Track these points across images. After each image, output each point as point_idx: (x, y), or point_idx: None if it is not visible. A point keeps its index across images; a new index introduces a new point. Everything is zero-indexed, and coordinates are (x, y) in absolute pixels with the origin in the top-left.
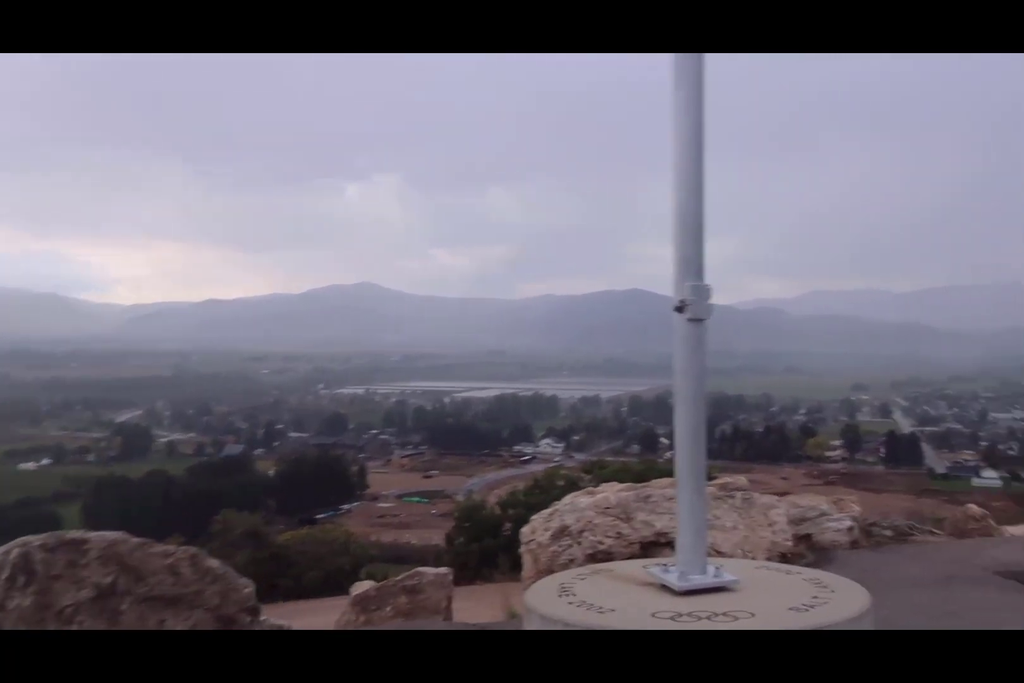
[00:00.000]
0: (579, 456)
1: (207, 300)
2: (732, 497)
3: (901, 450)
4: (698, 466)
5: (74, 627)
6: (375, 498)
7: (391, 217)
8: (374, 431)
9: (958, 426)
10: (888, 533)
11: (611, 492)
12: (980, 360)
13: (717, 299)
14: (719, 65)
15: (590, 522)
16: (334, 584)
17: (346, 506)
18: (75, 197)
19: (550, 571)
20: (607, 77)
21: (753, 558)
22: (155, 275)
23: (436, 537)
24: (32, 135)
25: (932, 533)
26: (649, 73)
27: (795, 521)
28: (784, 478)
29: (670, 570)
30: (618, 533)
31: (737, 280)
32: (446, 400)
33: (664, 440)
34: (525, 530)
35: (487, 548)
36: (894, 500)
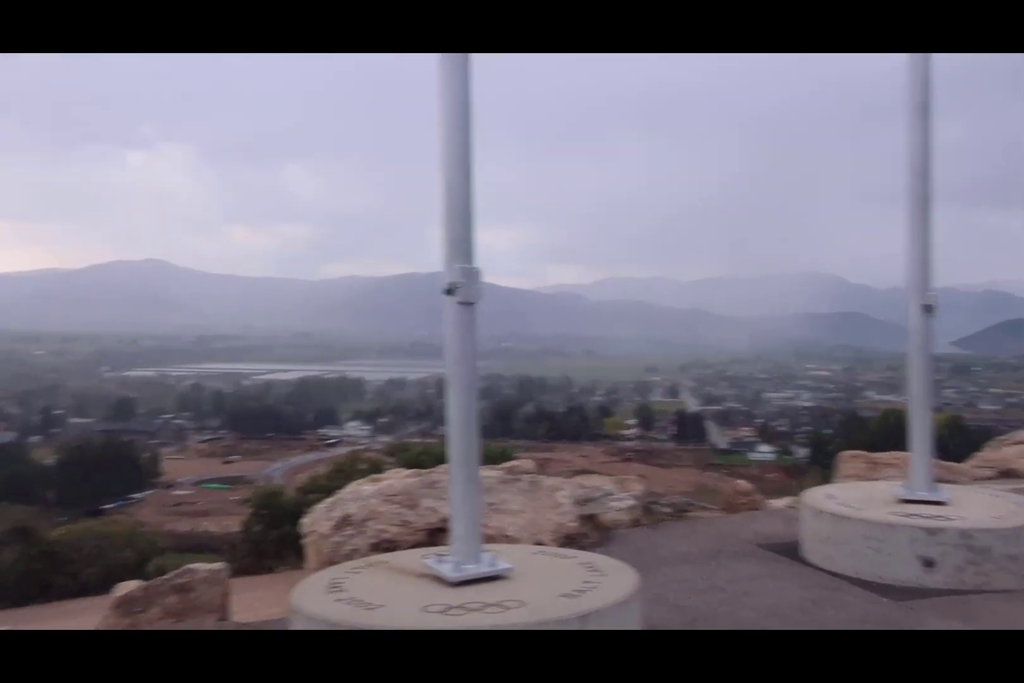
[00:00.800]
0: (386, 439)
1: None
2: (519, 480)
3: (689, 428)
4: (470, 453)
5: None
6: (170, 486)
7: (182, 191)
8: (168, 416)
9: (737, 405)
10: (667, 510)
11: (396, 479)
12: (756, 344)
13: (520, 284)
14: (521, 61)
15: (374, 510)
16: (117, 580)
17: (137, 495)
18: None
19: (332, 563)
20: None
21: (540, 540)
22: None
23: (236, 524)
24: None
25: (706, 508)
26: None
27: (581, 502)
28: (584, 456)
29: (445, 560)
30: (403, 521)
31: (539, 267)
32: (246, 383)
33: None
34: (306, 521)
35: (286, 535)
36: (682, 474)
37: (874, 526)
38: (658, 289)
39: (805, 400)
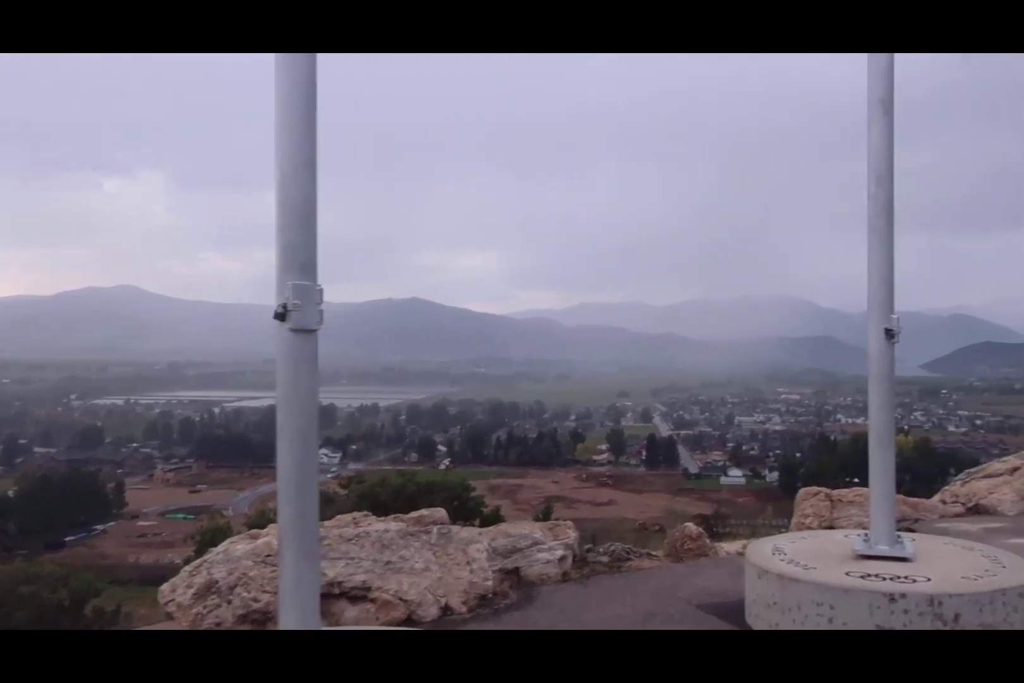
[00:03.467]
0: (356, 466)
1: None
2: (428, 533)
3: (660, 452)
4: (307, 520)
5: None
6: (135, 516)
7: (156, 216)
8: (135, 445)
9: (709, 429)
10: (604, 559)
11: (275, 536)
12: (728, 368)
13: (494, 309)
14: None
15: (245, 575)
16: (51, 623)
17: (100, 526)
18: None
19: None
20: (401, 78)
21: (448, 604)
22: None
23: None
24: None
25: (649, 556)
26: (459, 73)
27: (505, 553)
28: (555, 482)
29: None
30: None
31: (512, 292)
32: (216, 410)
33: (442, 447)
34: (164, 588)
35: None
36: (654, 499)
37: (826, 590)
38: (631, 314)
39: (776, 424)
